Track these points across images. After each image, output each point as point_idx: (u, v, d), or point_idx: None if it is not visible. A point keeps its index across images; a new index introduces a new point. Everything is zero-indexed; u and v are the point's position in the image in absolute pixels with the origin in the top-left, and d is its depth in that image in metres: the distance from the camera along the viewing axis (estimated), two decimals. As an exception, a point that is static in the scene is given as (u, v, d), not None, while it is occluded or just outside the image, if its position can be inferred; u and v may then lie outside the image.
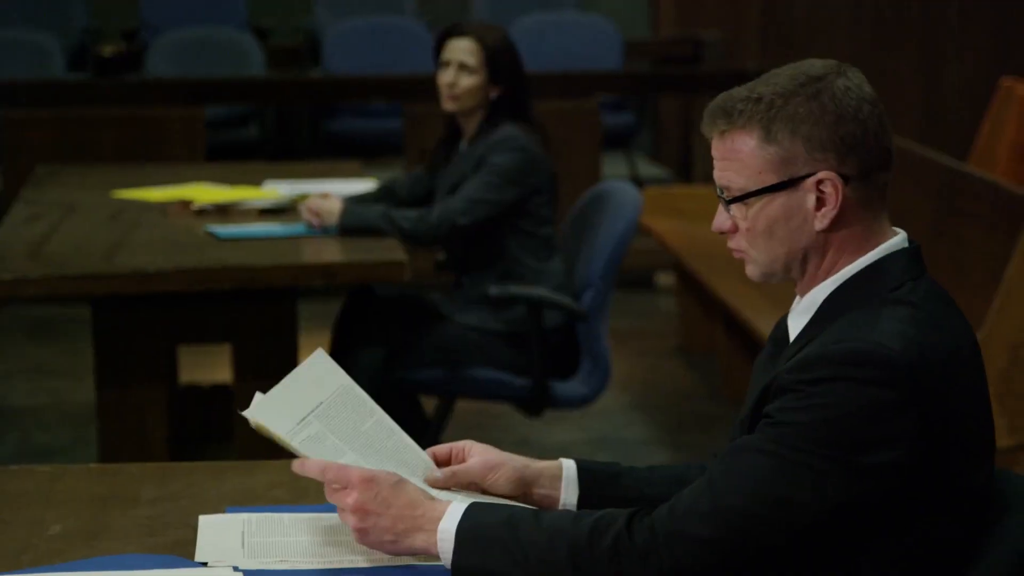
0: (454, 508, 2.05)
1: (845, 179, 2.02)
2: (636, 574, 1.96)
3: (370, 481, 2.06)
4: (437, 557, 2.04)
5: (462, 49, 4.48)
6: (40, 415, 5.81)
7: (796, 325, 2.09)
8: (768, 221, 2.04)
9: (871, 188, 2.04)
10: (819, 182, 2.02)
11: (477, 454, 2.21)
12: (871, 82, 2.07)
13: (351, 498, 2.05)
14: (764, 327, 4.70)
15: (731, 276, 5.38)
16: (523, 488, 2.19)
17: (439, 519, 2.04)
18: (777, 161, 2.02)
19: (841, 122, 2.01)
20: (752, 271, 2.10)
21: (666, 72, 8.50)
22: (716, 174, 2.07)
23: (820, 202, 2.02)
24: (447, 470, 2.20)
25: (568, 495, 2.19)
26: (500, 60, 4.48)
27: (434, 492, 2.16)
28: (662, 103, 9.30)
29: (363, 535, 2.05)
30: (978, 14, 7.79)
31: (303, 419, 2.16)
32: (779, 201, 2.03)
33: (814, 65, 2.05)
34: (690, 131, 8.66)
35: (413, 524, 2.04)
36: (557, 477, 2.19)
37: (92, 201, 4.82)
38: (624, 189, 4.68)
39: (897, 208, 5.16)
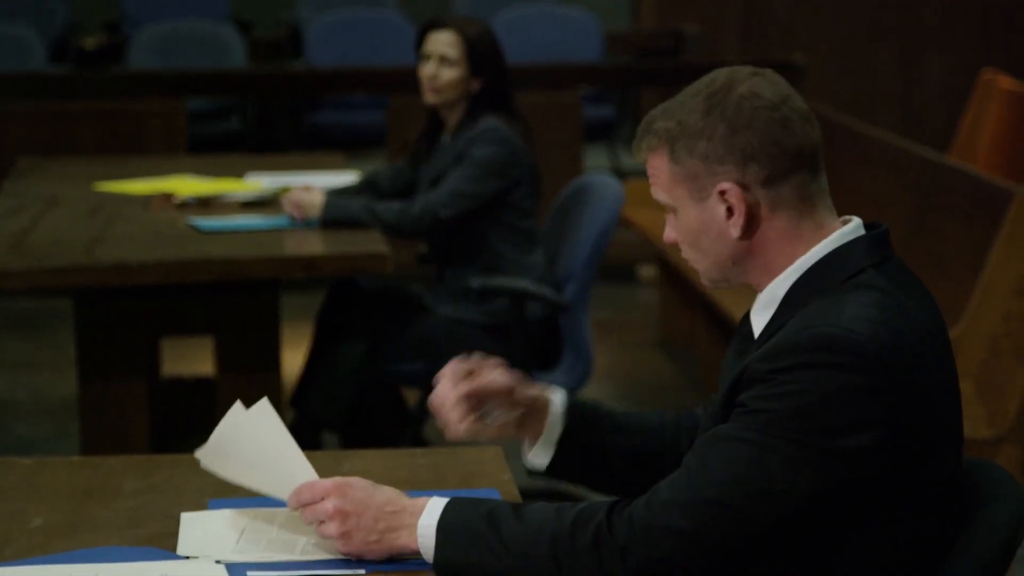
0: (433, 504, 2.06)
1: (745, 187, 2.04)
2: (616, 567, 1.96)
3: (344, 485, 2.08)
4: (419, 553, 2.05)
5: (443, 42, 4.48)
6: (21, 408, 5.80)
7: (760, 319, 2.10)
8: (692, 234, 2.10)
9: (786, 191, 2.05)
10: (722, 192, 2.05)
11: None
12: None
13: (329, 504, 2.06)
14: (745, 319, 4.70)
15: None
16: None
17: (419, 515, 2.05)
18: (682, 178, 2.08)
19: (735, 134, 2.04)
20: (702, 278, 2.16)
21: (647, 65, 8.50)
22: (651, 191, 2.14)
23: (729, 212, 2.06)
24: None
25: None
26: (481, 52, 4.48)
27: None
28: (643, 96, 9.29)
29: (347, 539, 2.06)
30: (957, 8, 7.81)
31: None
32: (694, 214, 2.09)
33: (715, 80, 2.09)
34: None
35: (394, 521, 2.05)
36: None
37: (74, 194, 4.81)
38: (606, 181, 4.69)
39: (877, 201, 5.18)
